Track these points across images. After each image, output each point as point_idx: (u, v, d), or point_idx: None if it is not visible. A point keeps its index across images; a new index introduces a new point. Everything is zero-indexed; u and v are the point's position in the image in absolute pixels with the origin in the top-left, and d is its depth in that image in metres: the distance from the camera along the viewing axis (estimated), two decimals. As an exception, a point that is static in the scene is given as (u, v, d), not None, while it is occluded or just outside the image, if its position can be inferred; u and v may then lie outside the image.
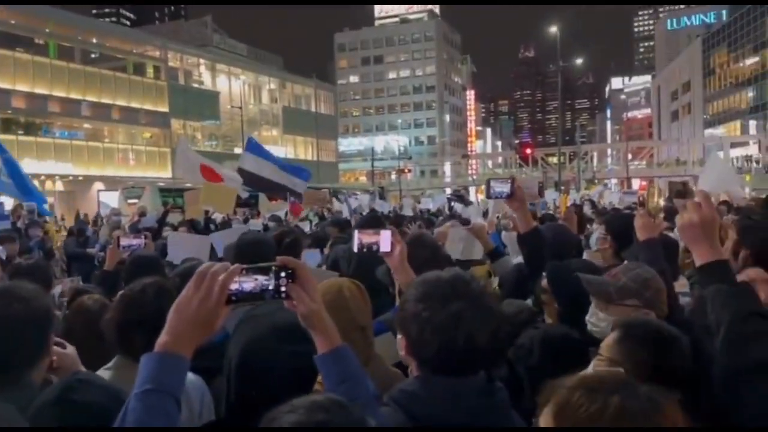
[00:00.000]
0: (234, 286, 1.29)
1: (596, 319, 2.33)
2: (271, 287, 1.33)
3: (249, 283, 1.31)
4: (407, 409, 1.45)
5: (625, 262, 3.46)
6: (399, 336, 1.60)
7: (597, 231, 3.69)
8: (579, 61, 59.32)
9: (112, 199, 27.12)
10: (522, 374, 2.10)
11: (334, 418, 1.05)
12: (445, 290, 1.50)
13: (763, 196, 9.29)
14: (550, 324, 2.78)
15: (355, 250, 2.13)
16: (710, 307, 1.67)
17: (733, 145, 64.59)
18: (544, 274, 2.75)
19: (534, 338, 2.64)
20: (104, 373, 2.09)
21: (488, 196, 3.00)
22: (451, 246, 3.76)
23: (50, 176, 39.01)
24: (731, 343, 1.60)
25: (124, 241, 4.20)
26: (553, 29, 42.05)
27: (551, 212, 9.83)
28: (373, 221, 3.63)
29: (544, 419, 1.07)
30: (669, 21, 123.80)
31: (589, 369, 1.93)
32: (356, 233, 2.12)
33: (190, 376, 1.89)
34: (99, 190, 33.74)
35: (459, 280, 1.53)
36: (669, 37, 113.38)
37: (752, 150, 61.94)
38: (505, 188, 2.85)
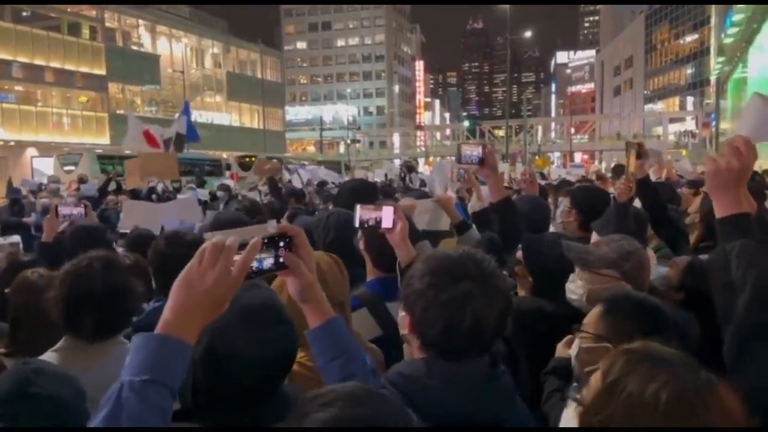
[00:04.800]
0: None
1: (574, 286, 2.30)
2: (272, 258, 1.23)
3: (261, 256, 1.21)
4: (406, 394, 1.35)
5: (593, 233, 3.44)
6: (402, 313, 1.51)
7: (562, 204, 3.66)
8: (528, 34, 59.79)
9: (46, 165, 25.91)
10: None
11: (376, 412, 0.91)
12: (455, 268, 1.42)
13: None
14: (523, 297, 2.72)
15: (356, 225, 2.06)
16: (735, 262, 1.54)
17: (672, 121, 66.98)
18: (519, 246, 2.68)
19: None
20: (51, 355, 1.91)
21: (459, 161, 2.92)
22: (417, 217, 3.70)
23: (-21, 141, 37.03)
24: (759, 300, 1.52)
25: (63, 210, 3.96)
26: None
27: (508, 185, 9.87)
28: (368, 192, 3.46)
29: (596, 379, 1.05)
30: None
31: (574, 347, 1.87)
32: (357, 208, 2.05)
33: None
34: (33, 157, 32.20)
35: (470, 259, 1.45)
36: (614, 13, 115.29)
37: (689, 125, 64.36)
38: (476, 153, 2.77)
